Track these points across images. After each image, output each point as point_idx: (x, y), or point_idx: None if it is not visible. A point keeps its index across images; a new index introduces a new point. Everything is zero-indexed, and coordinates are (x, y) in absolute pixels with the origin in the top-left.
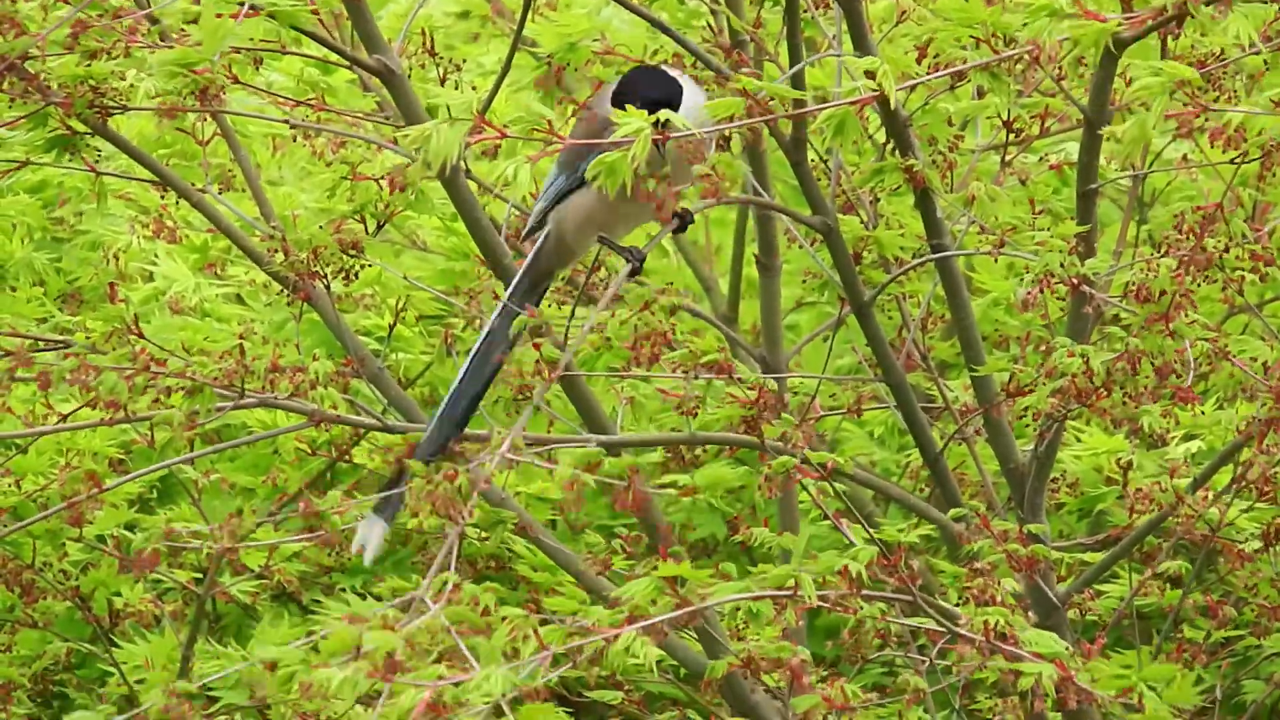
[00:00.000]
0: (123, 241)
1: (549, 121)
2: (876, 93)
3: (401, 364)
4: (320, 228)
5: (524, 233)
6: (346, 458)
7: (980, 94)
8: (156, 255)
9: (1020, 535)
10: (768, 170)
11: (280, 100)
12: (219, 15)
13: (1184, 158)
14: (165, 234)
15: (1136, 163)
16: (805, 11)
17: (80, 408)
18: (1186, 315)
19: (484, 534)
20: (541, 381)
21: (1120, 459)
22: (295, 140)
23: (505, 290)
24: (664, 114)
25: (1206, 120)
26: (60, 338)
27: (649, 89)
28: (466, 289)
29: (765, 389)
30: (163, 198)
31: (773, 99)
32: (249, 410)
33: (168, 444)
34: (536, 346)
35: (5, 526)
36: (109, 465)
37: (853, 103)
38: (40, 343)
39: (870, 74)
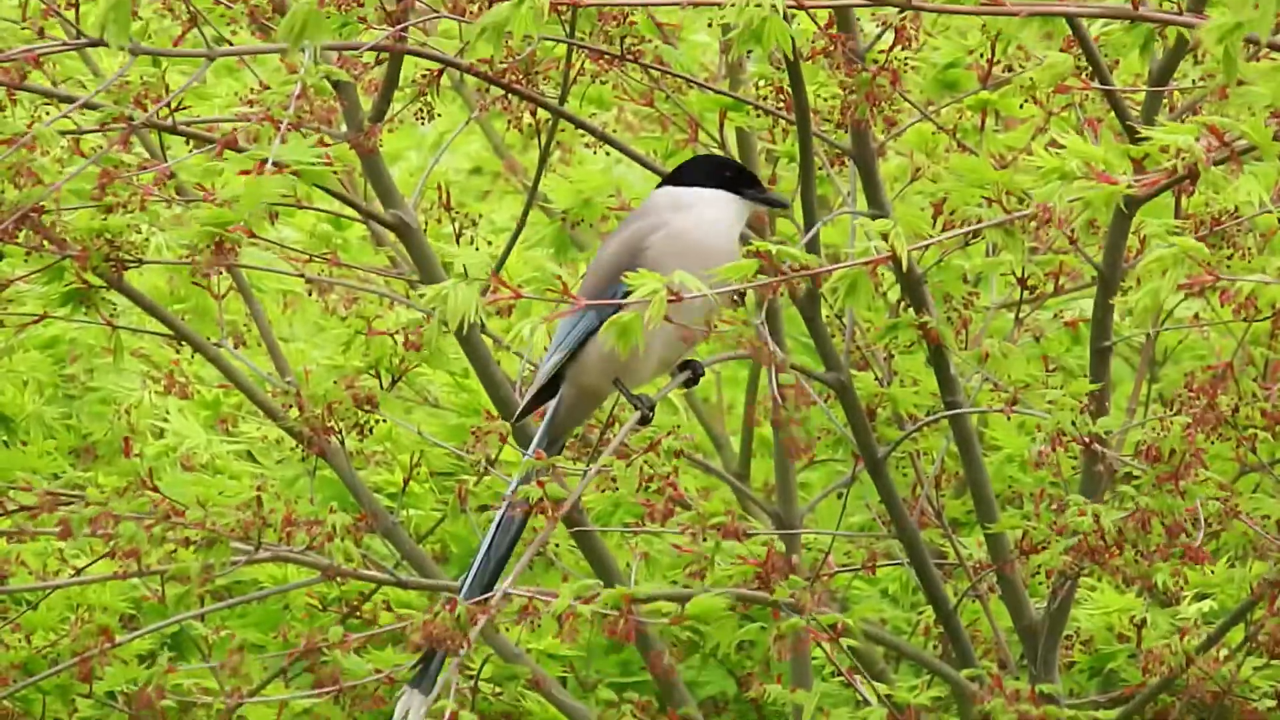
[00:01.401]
0: (134, 397)
1: (562, 282)
2: (889, 253)
3: (413, 520)
4: (335, 383)
5: (525, 403)
6: (358, 614)
7: (994, 251)
8: (168, 411)
9: (1032, 695)
10: (782, 326)
11: (293, 255)
12: (242, 173)
13: (1195, 316)
14: (177, 390)
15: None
16: (820, 169)
17: (94, 561)
18: (1197, 474)
19: (497, 689)
20: (546, 522)
21: (1134, 617)
22: (310, 295)
23: (525, 454)
24: None
25: (1218, 281)
26: (74, 493)
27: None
28: (473, 428)
29: (773, 550)
30: (178, 352)
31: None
32: (260, 565)
33: (180, 599)
34: (540, 484)
35: (16, 682)
36: (120, 621)
37: (866, 263)
38: (53, 497)
39: (883, 235)
